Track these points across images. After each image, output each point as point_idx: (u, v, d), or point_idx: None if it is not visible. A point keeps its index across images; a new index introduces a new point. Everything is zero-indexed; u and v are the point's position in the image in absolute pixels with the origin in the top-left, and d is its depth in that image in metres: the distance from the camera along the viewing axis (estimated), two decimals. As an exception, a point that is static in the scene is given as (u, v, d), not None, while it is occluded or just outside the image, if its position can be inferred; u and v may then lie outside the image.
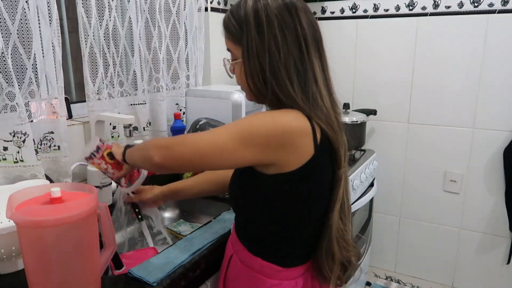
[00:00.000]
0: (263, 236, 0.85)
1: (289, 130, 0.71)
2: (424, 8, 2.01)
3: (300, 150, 0.73)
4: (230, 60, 0.85)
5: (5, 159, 1.09)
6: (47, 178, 1.16)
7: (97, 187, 1.17)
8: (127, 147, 0.92)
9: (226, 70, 0.87)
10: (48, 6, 1.13)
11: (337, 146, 0.79)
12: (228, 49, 0.83)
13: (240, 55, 0.79)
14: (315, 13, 2.29)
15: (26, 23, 1.08)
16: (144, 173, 1.05)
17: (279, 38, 0.73)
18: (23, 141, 1.08)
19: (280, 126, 0.71)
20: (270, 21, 0.73)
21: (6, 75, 1.03)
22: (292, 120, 0.72)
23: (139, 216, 1.17)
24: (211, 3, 1.85)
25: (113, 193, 1.32)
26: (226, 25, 0.80)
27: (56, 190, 0.73)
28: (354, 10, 2.19)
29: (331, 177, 0.82)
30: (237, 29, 0.77)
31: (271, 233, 0.84)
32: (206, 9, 1.82)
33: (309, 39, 0.76)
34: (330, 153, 0.80)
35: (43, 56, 1.15)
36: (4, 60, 1.02)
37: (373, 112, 2.15)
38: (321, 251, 0.84)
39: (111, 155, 0.94)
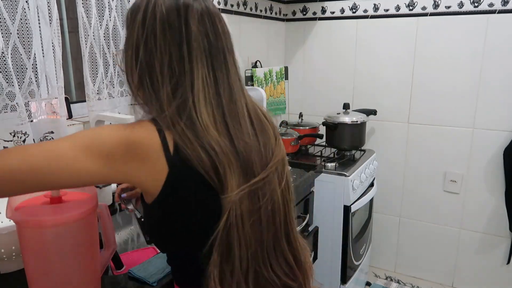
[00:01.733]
0: (171, 263, 0.82)
1: (134, 140, 0.65)
2: (424, 8, 2.01)
3: (151, 165, 0.66)
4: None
5: (5, 159, 1.09)
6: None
7: (97, 187, 1.17)
8: None
9: (117, 62, 0.82)
10: (48, 6, 1.13)
11: (202, 166, 0.66)
12: None
13: None
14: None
15: (26, 23, 1.08)
16: None
17: (158, 32, 0.70)
18: (23, 141, 1.08)
19: (125, 136, 0.65)
20: (155, 15, 0.71)
21: (6, 75, 1.03)
22: (141, 132, 0.67)
23: (139, 217, 1.16)
24: (211, 3, 1.85)
25: (113, 193, 1.33)
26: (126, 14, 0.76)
27: (56, 190, 0.73)
28: (354, 10, 2.19)
29: (217, 204, 0.69)
30: (128, 18, 0.74)
31: (171, 262, 0.81)
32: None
33: (193, 42, 0.70)
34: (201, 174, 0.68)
35: (43, 56, 1.15)
36: (4, 60, 1.02)
37: (373, 112, 2.15)
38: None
39: None
